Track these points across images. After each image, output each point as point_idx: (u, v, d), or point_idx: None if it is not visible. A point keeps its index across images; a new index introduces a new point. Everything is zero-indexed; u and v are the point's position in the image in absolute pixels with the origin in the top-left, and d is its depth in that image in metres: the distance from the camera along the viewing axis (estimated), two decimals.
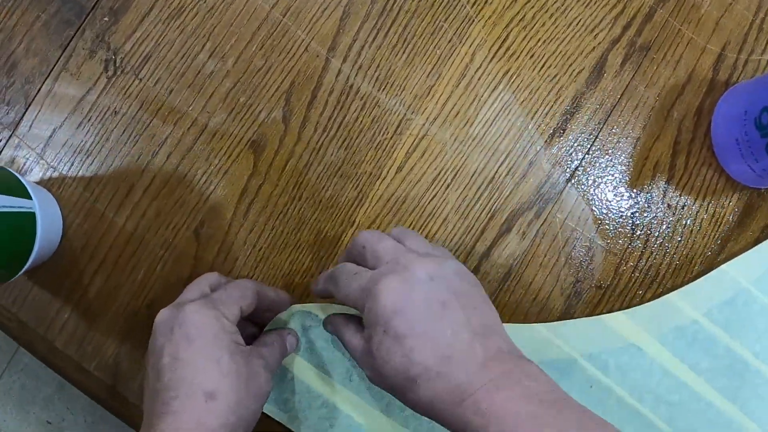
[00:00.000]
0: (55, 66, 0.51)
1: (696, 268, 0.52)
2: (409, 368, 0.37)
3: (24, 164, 0.51)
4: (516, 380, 0.36)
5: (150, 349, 0.42)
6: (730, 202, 0.52)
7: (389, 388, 0.40)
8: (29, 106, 0.51)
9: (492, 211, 0.51)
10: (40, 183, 0.51)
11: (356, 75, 0.51)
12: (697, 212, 0.52)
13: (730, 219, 0.52)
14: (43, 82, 0.51)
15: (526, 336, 0.50)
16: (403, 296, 0.38)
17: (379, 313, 0.38)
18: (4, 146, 0.51)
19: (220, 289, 0.44)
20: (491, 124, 0.51)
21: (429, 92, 0.51)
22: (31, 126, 0.51)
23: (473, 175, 0.51)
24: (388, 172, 0.51)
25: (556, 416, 0.35)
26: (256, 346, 0.44)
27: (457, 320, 0.38)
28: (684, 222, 0.52)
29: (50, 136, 0.51)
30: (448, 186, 0.51)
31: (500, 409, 0.35)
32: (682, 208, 0.52)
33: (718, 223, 0.52)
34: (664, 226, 0.51)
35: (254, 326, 0.49)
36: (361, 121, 0.51)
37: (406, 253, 0.41)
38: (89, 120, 0.51)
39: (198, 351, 0.39)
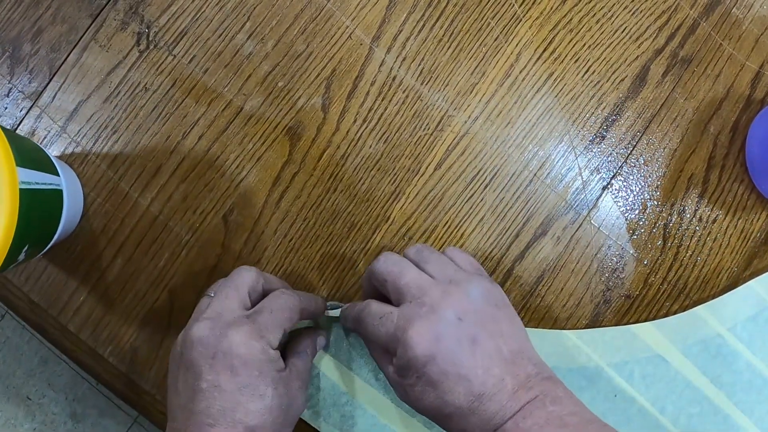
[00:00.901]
0: (83, 35, 0.49)
1: (722, 282, 0.52)
2: (442, 408, 0.38)
3: (45, 137, 0.48)
4: (541, 406, 0.38)
5: (183, 363, 0.39)
6: (758, 219, 0.52)
7: (420, 413, 0.41)
8: (53, 76, 0.49)
9: (528, 214, 0.50)
10: (61, 158, 0.49)
11: (400, 67, 0.50)
12: (727, 227, 0.52)
13: (758, 236, 0.52)
14: (70, 52, 0.49)
15: (555, 342, 0.50)
16: (434, 343, 0.38)
17: (411, 363, 0.38)
18: (24, 116, 0.48)
19: (266, 311, 0.40)
20: (533, 126, 0.50)
21: (473, 89, 0.50)
22: (54, 97, 0.49)
23: (512, 176, 0.50)
24: (426, 168, 0.50)
25: None
26: (292, 361, 0.42)
27: (488, 353, 0.39)
28: (714, 236, 0.52)
29: (75, 109, 0.49)
30: (487, 186, 0.50)
31: None
32: (713, 223, 0.52)
33: (746, 239, 0.52)
34: (694, 239, 0.52)
35: None
36: (403, 115, 0.49)
37: (431, 288, 0.40)
38: (117, 95, 0.49)
39: (242, 385, 0.38)
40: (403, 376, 0.39)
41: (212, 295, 0.42)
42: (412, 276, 0.41)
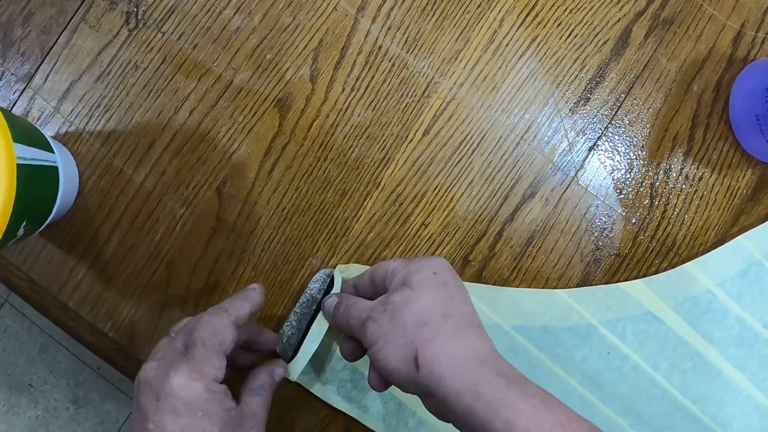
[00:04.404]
0: (73, 17, 0.49)
1: (710, 239, 0.53)
2: (422, 313, 0.39)
3: (39, 118, 0.49)
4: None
5: (135, 402, 0.39)
6: (744, 176, 0.53)
7: (394, 354, 0.39)
8: (45, 57, 0.49)
9: (517, 176, 0.51)
10: (56, 138, 0.49)
11: (385, 36, 0.50)
12: (713, 184, 0.53)
13: (744, 192, 0.53)
14: (60, 34, 0.49)
15: (547, 301, 0.51)
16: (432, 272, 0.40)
17: (406, 274, 0.41)
18: (18, 98, 0.49)
19: (198, 344, 0.39)
20: (518, 90, 0.51)
21: (457, 56, 0.51)
22: (47, 78, 0.49)
23: (499, 140, 0.51)
24: (414, 134, 0.50)
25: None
26: (246, 400, 0.41)
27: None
28: (701, 194, 0.52)
29: (67, 90, 0.49)
30: (474, 150, 0.51)
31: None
32: (699, 180, 0.53)
33: (733, 196, 0.53)
34: (681, 197, 0.52)
35: (246, 353, 0.47)
36: (389, 83, 0.50)
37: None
38: (109, 74, 0.49)
39: (186, 427, 0.37)
40: (392, 293, 0.41)
41: (172, 335, 0.41)
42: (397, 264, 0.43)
